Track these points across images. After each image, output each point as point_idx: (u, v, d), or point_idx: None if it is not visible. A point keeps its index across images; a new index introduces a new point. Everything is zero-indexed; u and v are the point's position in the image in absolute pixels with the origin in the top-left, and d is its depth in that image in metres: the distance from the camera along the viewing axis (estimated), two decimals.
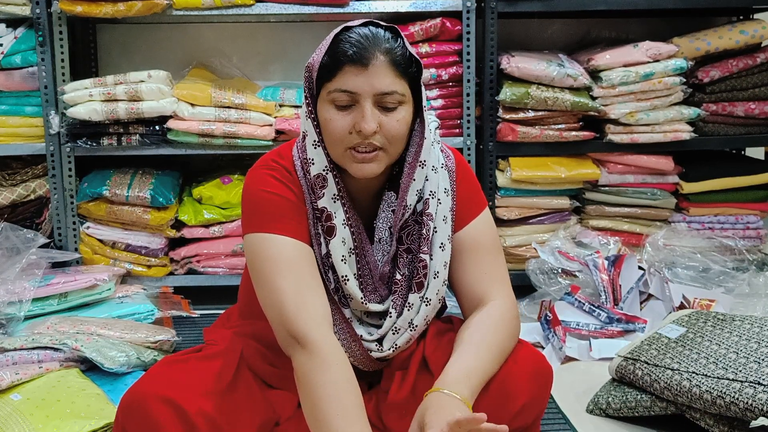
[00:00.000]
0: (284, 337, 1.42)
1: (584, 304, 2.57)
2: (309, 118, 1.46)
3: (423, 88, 1.46)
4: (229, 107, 2.86)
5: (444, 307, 1.68)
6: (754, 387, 1.74)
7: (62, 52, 2.87)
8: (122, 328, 2.40)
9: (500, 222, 3.02)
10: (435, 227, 1.51)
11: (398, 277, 1.51)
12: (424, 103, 1.48)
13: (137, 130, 2.86)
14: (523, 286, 2.91)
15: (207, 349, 1.57)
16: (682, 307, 2.58)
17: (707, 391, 1.80)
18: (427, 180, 1.51)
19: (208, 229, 2.96)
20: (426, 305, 1.52)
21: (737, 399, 1.74)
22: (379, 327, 1.54)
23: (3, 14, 2.82)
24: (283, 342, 1.43)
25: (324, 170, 1.46)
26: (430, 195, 1.51)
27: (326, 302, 1.45)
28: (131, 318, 2.58)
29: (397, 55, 1.40)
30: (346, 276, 1.48)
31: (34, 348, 2.18)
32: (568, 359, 2.43)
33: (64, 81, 2.88)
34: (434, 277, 1.51)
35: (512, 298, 1.55)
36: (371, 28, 1.42)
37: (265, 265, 1.43)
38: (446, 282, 1.54)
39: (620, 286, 2.66)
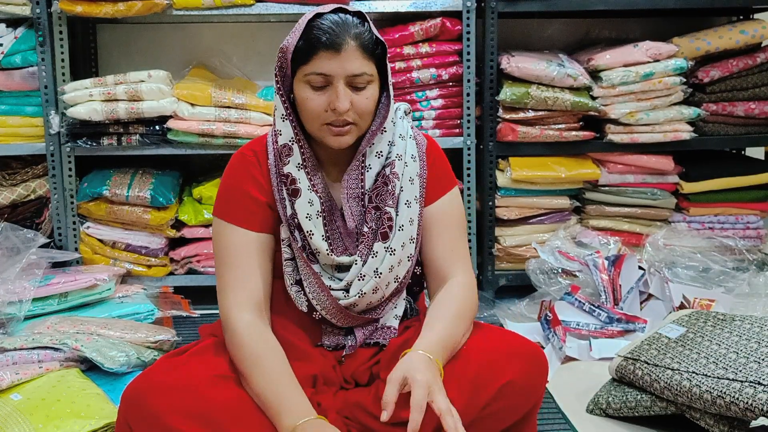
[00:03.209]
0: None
1: (584, 304, 2.57)
2: (278, 93, 1.60)
3: (388, 66, 1.60)
4: (229, 107, 2.86)
5: (421, 279, 1.74)
6: (754, 387, 1.74)
7: (62, 52, 2.87)
8: (122, 328, 2.40)
9: (500, 222, 3.03)
10: (401, 186, 1.62)
11: (365, 230, 1.62)
12: (390, 80, 1.61)
13: (137, 130, 2.86)
14: (523, 286, 2.91)
15: (204, 341, 1.64)
16: (682, 307, 2.58)
17: (707, 391, 1.80)
18: (393, 145, 1.64)
19: (208, 229, 2.96)
20: (390, 255, 1.60)
21: (737, 399, 1.74)
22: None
23: (3, 14, 2.83)
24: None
25: (290, 141, 1.60)
26: (396, 157, 1.63)
27: (261, 286, 1.60)
28: (131, 318, 2.59)
29: (365, 39, 1.53)
30: (310, 231, 1.59)
31: (34, 348, 2.18)
32: (568, 359, 2.43)
33: (64, 81, 2.88)
34: (399, 230, 1.61)
35: (472, 274, 1.69)
36: (341, 14, 1.55)
37: (218, 253, 1.63)
38: (413, 239, 1.63)
39: (620, 286, 2.66)
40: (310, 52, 1.52)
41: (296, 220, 1.60)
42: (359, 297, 1.60)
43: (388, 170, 1.62)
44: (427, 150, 1.69)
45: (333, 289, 1.61)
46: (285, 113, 1.59)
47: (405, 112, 1.71)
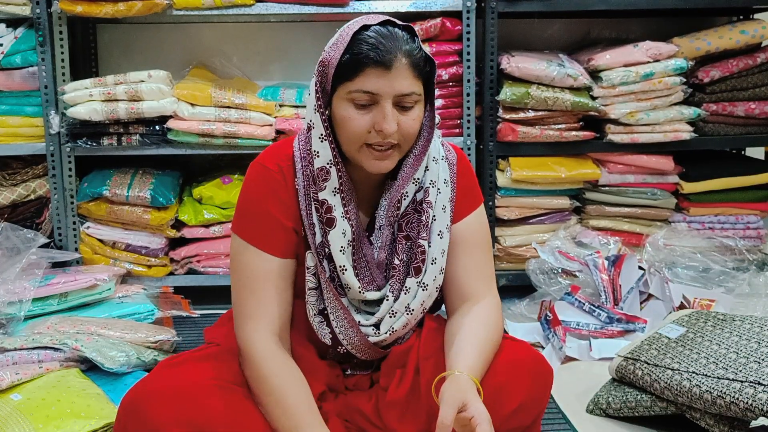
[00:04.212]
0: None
1: (584, 304, 2.57)
2: (317, 111, 1.48)
3: (434, 85, 1.51)
4: (229, 107, 2.86)
5: (440, 302, 1.69)
6: (755, 387, 1.74)
7: (62, 52, 2.87)
8: (122, 328, 2.40)
9: (500, 222, 3.03)
10: (434, 215, 1.54)
11: (396, 262, 1.54)
12: (434, 100, 1.52)
13: (137, 130, 2.86)
14: (523, 286, 2.91)
15: (206, 348, 1.59)
16: (682, 307, 2.58)
17: (707, 391, 1.80)
18: (427, 170, 1.54)
19: (209, 229, 2.96)
20: (423, 290, 1.54)
21: (737, 399, 1.74)
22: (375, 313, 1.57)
23: (3, 14, 2.82)
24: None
25: (328, 164, 1.48)
26: (430, 184, 1.54)
27: (282, 314, 1.51)
28: (131, 318, 2.58)
29: (416, 57, 1.43)
30: (344, 266, 1.51)
31: (34, 348, 2.18)
32: (568, 359, 2.43)
33: (64, 81, 2.88)
34: (432, 263, 1.54)
35: (498, 297, 1.60)
36: (389, 27, 1.44)
37: (236, 273, 1.53)
38: (443, 270, 1.56)
39: (620, 286, 2.66)
40: (356, 68, 1.41)
41: (327, 250, 1.51)
42: (389, 334, 1.54)
43: (420, 196, 1.53)
44: (458, 168, 1.61)
45: (362, 325, 1.54)
46: (324, 133, 1.47)
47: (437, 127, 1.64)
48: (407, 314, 1.54)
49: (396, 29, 1.45)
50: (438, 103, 2.93)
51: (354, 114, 1.43)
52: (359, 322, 1.54)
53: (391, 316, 1.54)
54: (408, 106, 1.44)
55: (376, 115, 1.42)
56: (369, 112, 1.43)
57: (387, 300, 1.54)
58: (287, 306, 1.53)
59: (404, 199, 1.53)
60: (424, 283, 1.53)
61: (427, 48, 2.80)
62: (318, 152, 1.49)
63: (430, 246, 1.54)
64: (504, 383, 1.47)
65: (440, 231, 1.54)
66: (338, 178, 1.49)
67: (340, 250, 1.50)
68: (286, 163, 1.54)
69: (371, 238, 1.56)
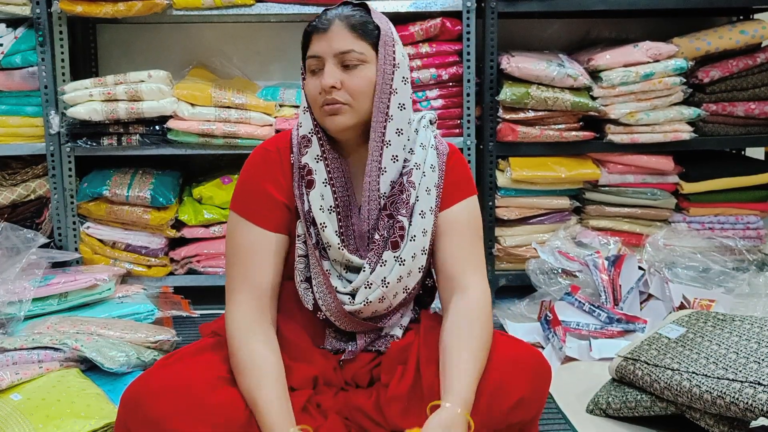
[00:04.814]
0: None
1: (584, 304, 2.57)
2: (303, 88, 1.63)
3: (387, 49, 1.57)
4: (229, 107, 2.86)
5: (433, 292, 1.73)
6: (754, 387, 1.74)
7: (62, 52, 2.87)
8: (122, 328, 2.40)
9: (500, 222, 3.03)
10: (417, 196, 1.60)
11: (377, 237, 1.59)
12: (396, 67, 1.57)
13: (137, 130, 2.86)
14: (523, 286, 2.91)
15: (203, 342, 1.63)
16: (682, 307, 2.58)
17: (707, 391, 1.80)
18: (413, 153, 1.61)
19: (209, 229, 2.96)
20: (400, 265, 1.58)
21: (737, 399, 1.74)
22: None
23: (3, 14, 2.82)
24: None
25: (309, 132, 1.60)
26: (414, 166, 1.60)
27: (268, 284, 1.58)
28: (131, 318, 2.58)
29: (354, 19, 1.56)
30: (323, 223, 1.58)
31: (34, 348, 2.18)
32: (568, 359, 2.43)
33: (64, 81, 2.88)
34: (411, 240, 1.58)
35: (486, 286, 1.63)
36: (340, 6, 1.60)
37: (229, 248, 1.62)
38: (425, 251, 1.60)
39: (620, 286, 2.66)
40: (307, 39, 1.58)
41: (311, 214, 1.59)
42: (364, 305, 1.59)
43: (404, 179, 1.59)
44: (449, 158, 1.66)
45: (339, 292, 1.59)
46: (306, 105, 1.60)
47: (430, 121, 1.70)
48: (383, 287, 1.58)
49: (347, 6, 1.59)
50: (438, 103, 2.94)
51: (309, 80, 1.58)
52: (336, 287, 1.59)
53: (366, 288, 1.58)
54: (351, 65, 1.54)
55: (321, 75, 1.55)
56: (319, 76, 1.55)
57: (364, 271, 1.59)
58: (275, 278, 1.59)
59: (382, 174, 1.58)
60: (401, 258, 1.58)
61: (425, 48, 2.86)
62: (301, 123, 1.62)
63: (410, 224, 1.59)
64: (503, 379, 1.49)
65: (422, 211, 1.60)
66: (319, 146, 1.59)
67: (320, 209, 1.58)
68: (284, 144, 1.65)
69: (358, 211, 1.62)
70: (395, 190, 1.59)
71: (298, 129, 1.63)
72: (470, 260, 1.62)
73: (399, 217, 1.58)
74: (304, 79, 1.61)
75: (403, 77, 1.59)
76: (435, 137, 1.67)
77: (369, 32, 1.56)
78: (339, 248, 1.58)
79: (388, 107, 1.57)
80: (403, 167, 1.60)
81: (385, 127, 1.57)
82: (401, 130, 1.59)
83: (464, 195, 1.66)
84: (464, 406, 1.43)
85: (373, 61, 1.56)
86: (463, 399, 1.43)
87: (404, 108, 1.59)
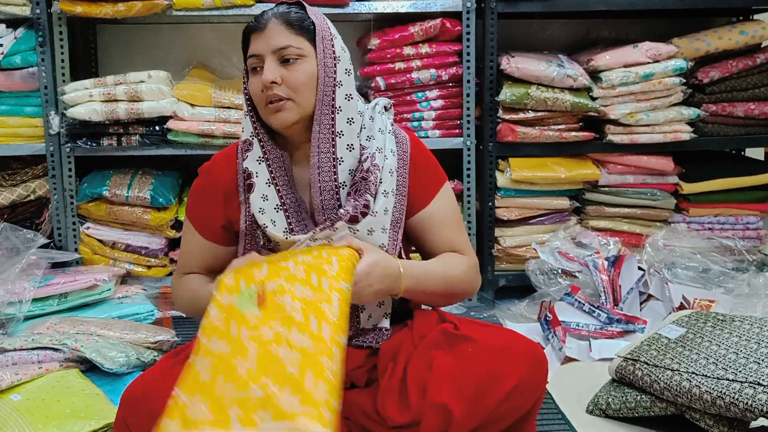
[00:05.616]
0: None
1: (584, 305, 2.57)
2: (244, 93, 1.66)
3: (325, 44, 1.60)
4: (229, 107, 2.86)
5: None
6: (754, 387, 1.74)
7: (62, 53, 2.87)
8: (122, 328, 2.40)
9: (500, 222, 3.03)
10: (381, 177, 1.61)
11: (342, 212, 1.58)
12: (339, 59, 1.60)
13: (137, 131, 2.86)
14: (522, 287, 2.91)
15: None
16: (682, 307, 2.58)
17: (707, 391, 1.80)
18: (373, 139, 1.63)
19: None
20: (354, 233, 1.58)
21: (737, 399, 1.74)
22: None
23: (3, 14, 2.83)
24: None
25: (250, 135, 1.63)
26: (377, 150, 1.62)
27: (199, 274, 1.73)
28: (131, 318, 2.59)
29: (290, 16, 1.59)
30: (265, 224, 1.61)
31: (34, 348, 2.18)
32: (568, 359, 2.43)
33: (64, 81, 2.88)
34: (371, 215, 1.59)
35: (475, 256, 1.74)
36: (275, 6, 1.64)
37: (183, 245, 1.77)
38: (385, 230, 1.61)
39: (620, 286, 2.66)
40: (246, 40, 1.62)
41: (254, 216, 1.62)
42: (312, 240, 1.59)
43: (367, 164, 1.60)
44: (412, 150, 1.68)
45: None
46: (247, 109, 1.63)
47: (385, 107, 1.71)
48: (326, 241, 1.58)
49: (282, 5, 1.63)
50: (438, 103, 2.94)
51: (251, 79, 1.60)
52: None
53: (312, 241, 1.58)
54: (290, 59, 1.57)
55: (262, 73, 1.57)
56: (260, 74, 1.58)
57: (313, 232, 1.58)
58: (207, 270, 1.73)
59: (339, 164, 1.59)
60: (355, 229, 1.58)
61: (425, 49, 2.86)
62: (243, 128, 1.65)
63: (374, 202, 1.60)
64: (497, 367, 1.49)
65: (385, 191, 1.61)
66: (261, 148, 1.62)
67: (260, 211, 1.61)
68: (231, 155, 1.68)
69: (315, 205, 1.62)
70: (357, 178, 1.60)
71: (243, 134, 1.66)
72: (457, 245, 1.69)
73: (366, 195, 1.59)
74: (246, 81, 1.63)
75: (346, 69, 1.62)
76: (391, 123, 1.70)
77: (305, 28, 1.59)
78: (285, 237, 1.60)
79: (333, 99, 1.59)
80: (362, 154, 1.61)
81: (333, 119, 1.59)
82: (352, 119, 1.61)
83: (438, 186, 1.70)
84: (406, 267, 1.54)
85: (312, 56, 1.59)
86: (409, 264, 1.56)
87: (351, 98, 1.62)
